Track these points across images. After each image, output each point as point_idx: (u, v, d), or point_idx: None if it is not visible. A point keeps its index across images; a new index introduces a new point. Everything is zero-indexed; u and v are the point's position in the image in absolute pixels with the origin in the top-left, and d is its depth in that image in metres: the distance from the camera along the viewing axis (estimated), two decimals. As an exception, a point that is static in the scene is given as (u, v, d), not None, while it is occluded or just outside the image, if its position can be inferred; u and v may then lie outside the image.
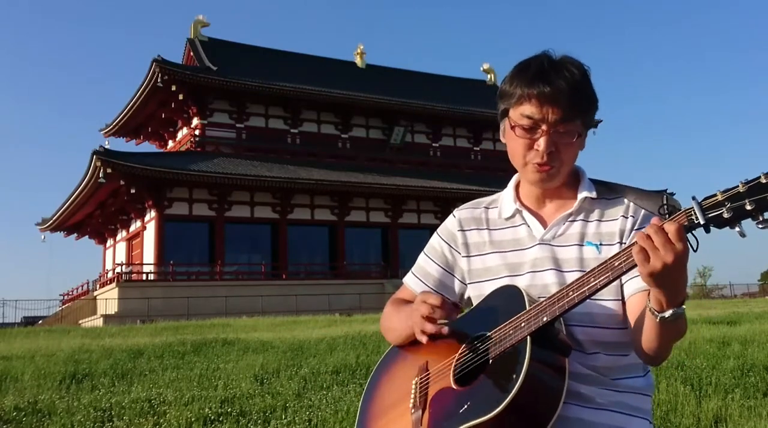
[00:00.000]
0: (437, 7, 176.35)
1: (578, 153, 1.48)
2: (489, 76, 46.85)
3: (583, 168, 1.54)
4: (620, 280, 1.39)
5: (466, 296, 1.60)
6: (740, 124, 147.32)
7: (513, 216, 1.54)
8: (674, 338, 1.29)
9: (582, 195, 1.48)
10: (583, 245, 1.44)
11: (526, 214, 1.53)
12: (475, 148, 41.80)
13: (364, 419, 1.56)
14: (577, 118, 1.41)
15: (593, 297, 1.36)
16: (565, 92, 1.38)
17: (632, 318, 1.35)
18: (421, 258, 1.66)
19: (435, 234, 1.65)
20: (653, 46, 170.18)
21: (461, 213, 1.62)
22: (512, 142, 1.47)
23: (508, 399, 1.20)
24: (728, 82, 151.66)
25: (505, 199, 1.58)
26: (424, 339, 1.43)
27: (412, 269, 1.68)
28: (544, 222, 1.50)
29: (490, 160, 41.28)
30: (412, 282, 1.66)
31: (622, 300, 1.41)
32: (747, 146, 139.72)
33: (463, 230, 1.59)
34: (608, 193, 1.49)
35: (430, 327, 1.40)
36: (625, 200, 1.45)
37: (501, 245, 1.53)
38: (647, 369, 1.48)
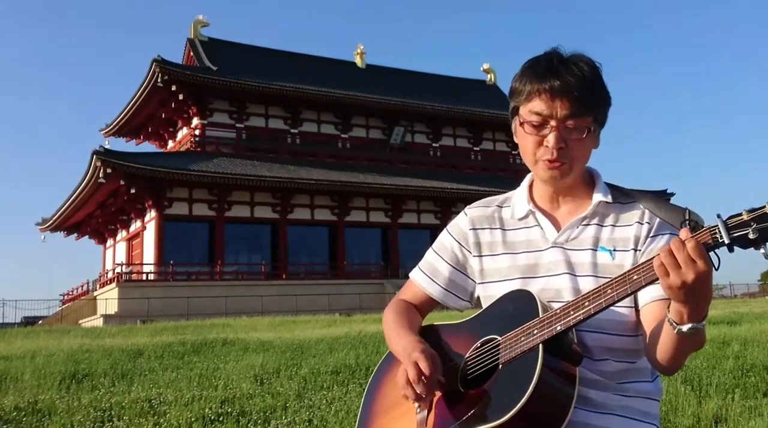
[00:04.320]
0: (437, 8, 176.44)
1: (591, 150, 1.45)
2: (489, 76, 46.85)
3: (598, 170, 1.53)
4: None
5: (476, 295, 1.58)
6: (744, 126, 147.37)
7: (526, 216, 1.52)
8: (690, 350, 1.27)
9: (597, 198, 1.46)
10: (596, 250, 1.42)
11: (539, 215, 1.50)
12: (475, 148, 41.80)
13: (367, 415, 1.54)
14: (588, 114, 1.39)
15: None
16: (575, 86, 1.36)
17: (647, 327, 1.34)
18: (430, 256, 1.62)
19: (445, 232, 1.62)
20: (654, 47, 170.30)
21: (473, 211, 1.59)
22: (522, 139, 1.45)
23: (518, 406, 1.19)
24: (731, 82, 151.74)
25: (518, 199, 1.56)
26: (410, 401, 1.38)
27: (420, 265, 1.63)
28: (557, 225, 1.48)
29: (490, 160, 41.30)
30: (421, 279, 1.62)
31: (635, 307, 1.39)
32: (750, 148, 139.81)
33: (474, 229, 1.56)
34: (623, 197, 1.47)
35: (410, 394, 1.35)
36: (641, 205, 1.43)
37: (513, 246, 1.51)
38: (656, 374, 1.46)
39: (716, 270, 1.14)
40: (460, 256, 1.57)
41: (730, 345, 8.16)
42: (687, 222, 1.19)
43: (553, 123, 1.39)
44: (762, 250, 1.08)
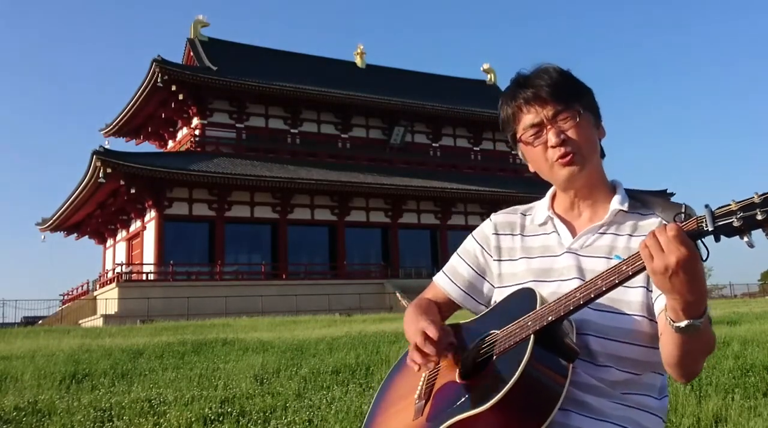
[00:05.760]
0: (437, 8, 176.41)
1: (594, 137, 1.48)
2: (489, 76, 46.86)
3: (619, 180, 1.55)
4: (650, 298, 1.38)
5: (492, 300, 1.59)
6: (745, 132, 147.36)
7: (545, 223, 1.55)
8: (697, 353, 1.27)
9: (614, 207, 1.47)
10: (611, 258, 1.43)
11: (557, 221, 1.54)
12: (475, 148, 41.79)
13: (376, 408, 1.59)
14: (572, 104, 1.44)
15: (616, 310, 1.37)
16: (547, 87, 1.43)
17: (660, 334, 1.34)
18: (454, 259, 1.67)
19: (470, 237, 1.67)
20: (653, 48, 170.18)
21: (497, 217, 1.64)
22: (531, 154, 1.50)
23: (500, 394, 1.21)
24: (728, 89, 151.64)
25: (539, 207, 1.60)
26: (415, 367, 1.43)
27: (443, 268, 1.68)
28: (574, 232, 1.51)
29: (490, 160, 41.28)
30: (441, 281, 1.66)
31: (647, 317, 1.38)
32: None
33: (497, 234, 1.60)
34: (642, 207, 1.48)
35: (417, 358, 1.41)
36: (659, 216, 1.44)
37: (530, 251, 1.54)
38: (664, 393, 1.46)
39: (704, 260, 1.16)
40: (481, 260, 1.61)
41: (730, 345, 8.15)
42: (681, 214, 1.21)
43: (547, 126, 1.44)
44: (746, 239, 1.10)
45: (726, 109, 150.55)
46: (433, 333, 1.39)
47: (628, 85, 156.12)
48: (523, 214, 1.62)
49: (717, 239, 1.13)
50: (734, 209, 1.10)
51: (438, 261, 35.89)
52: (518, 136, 1.49)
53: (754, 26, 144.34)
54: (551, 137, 1.43)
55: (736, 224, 1.09)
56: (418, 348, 1.40)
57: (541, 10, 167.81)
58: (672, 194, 38.64)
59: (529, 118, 1.45)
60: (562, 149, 1.43)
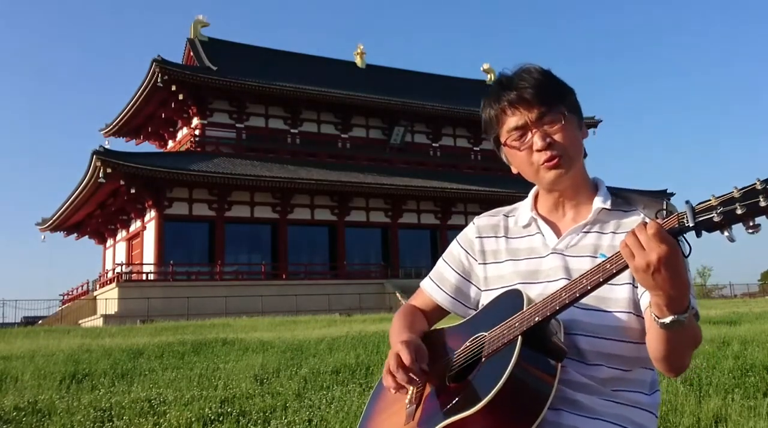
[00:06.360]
0: (437, 8, 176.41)
1: (579, 139, 1.47)
2: (489, 76, 46.83)
3: (601, 179, 1.55)
4: (636, 294, 1.38)
5: (480, 303, 1.59)
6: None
7: (529, 224, 1.55)
8: (683, 348, 1.27)
9: (597, 205, 1.47)
10: (596, 257, 1.43)
11: (541, 222, 1.53)
12: (474, 148, 41.81)
13: (369, 413, 1.60)
14: (556, 107, 1.43)
15: (603, 308, 1.38)
16: (531, 89, 1.43)
17: (646, 330, 1.34)
18: (440, 264, 1.67)
19: (454, 242, 1.67)
20: (653, 48, 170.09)
21: (480, 220, 1.64)
22: (515, 157, 1.49)
23: (489, 396, 1.22)
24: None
25: (523, 208, 1.60)
26: (391, 390, 1.43)
27: (430, 274, 1.68)
28: (558, 232, 1.51)
29: (490, 160, 41.25)
30: (428, 286, 1.66)
31: (638, 314, 1.38)
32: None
33: (480, 237, 1.60)
34: (625, 205, 1.48)
35: (389, 382, 1.41)
36: (641, 213, 1.44)
37: (516, 253, 1.54)
38: (655, 388, 1.46)
39: (686, 256, 1.17)
40: (466, 264, 1.61)
41: (730, 345, 8.15)
42: (663, 210, 1.21)
43: (532, 128, 1.43)
44: (726, 234, 1.10)
45: (726, 109, 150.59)
46: (406, 358, 1.38)
47: (629, 85, 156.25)
48: (506, 216, 1.62)
49: (698, 234, 1.13)
50: (714, 204, 1.10)
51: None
52: (502, 139, 1.49)
53: (755, 27, 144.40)
54: (537, 141, 1.42)
55: (716, 219, 1.09)
56: (390, 372, 1.40)
57: (541, 10, 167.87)
58: (672, 194, 38.64)
59: (513, 120, 1.45)
60: (549, 153, 1.42)
